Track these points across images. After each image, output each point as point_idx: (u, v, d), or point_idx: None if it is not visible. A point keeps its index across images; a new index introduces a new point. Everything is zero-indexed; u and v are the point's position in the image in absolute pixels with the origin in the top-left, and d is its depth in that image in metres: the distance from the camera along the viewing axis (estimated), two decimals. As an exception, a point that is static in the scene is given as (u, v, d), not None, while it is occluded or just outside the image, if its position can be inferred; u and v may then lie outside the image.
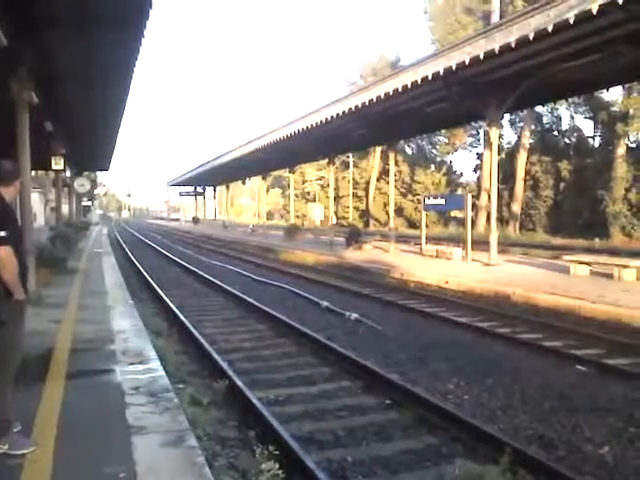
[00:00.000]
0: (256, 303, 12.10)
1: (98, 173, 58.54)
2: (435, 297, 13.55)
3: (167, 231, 58.05)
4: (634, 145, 37.17)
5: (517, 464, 4.52)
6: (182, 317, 10.59)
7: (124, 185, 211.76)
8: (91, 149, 27.08)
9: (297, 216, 51.77)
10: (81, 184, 31.41)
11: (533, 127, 44.50)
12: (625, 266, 13.75)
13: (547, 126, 46.48)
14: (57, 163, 18.72)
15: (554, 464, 4.54)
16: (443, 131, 50.21)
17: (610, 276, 13.81)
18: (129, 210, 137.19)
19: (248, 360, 8.11)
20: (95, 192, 65.47)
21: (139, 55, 11.17)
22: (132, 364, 5.88)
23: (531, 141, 43.94)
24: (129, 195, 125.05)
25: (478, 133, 52.52)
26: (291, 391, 6.70)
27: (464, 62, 13.88)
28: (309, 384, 6.98)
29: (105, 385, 5.25)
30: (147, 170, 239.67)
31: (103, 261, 18.75)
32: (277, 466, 4.26)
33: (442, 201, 21.71)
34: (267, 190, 49.29)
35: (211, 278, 16.47)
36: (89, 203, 60.57)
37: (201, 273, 17.85)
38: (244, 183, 51.42)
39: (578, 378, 7.29)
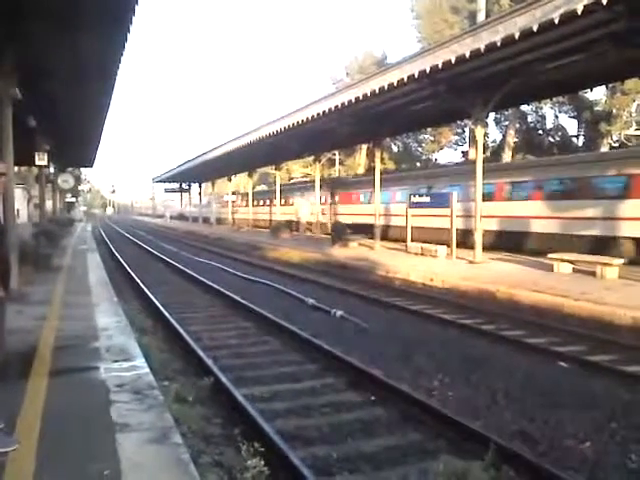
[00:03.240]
0: (241, 300, 12.08)
1: (82, 169, 58.08)
2: (420, 294, 13.62)
3: (152, 228, 57.78)
4: (617, 144, 37.51)
5: (500, 460, 4.57)
6: (167, 314, 10.55)
7: (108, 181, 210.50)
8: (75, 145, 26.85)
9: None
10: (65, 180, 31.10)
11: (518, 126, 44.77)
12: (607, 264, 13.90)
13: (532, 125, 46.78)
14: (41, 159, 18.54)
15: (536, 459, 4.59)
16: (429, 129, 50.34)
17: (593, 274, 13.95)
18: (113, 207, 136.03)
19: (233, 357, 8.11)
20: (79, 188, 64.85)
21: (124, 51, 11.10)
22: (116, 361, 5.86)
23: (516, 139, 44.21)
24: (113, 191, 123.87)
25: (464, 131, 52.70)
26: (276, 388, 6.70)
27: (450, 60, 13.91)
28: (294, 381, 7.00)
29: (89, 383, 5.23)
30: (132, 166, 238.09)
31: (87, 258, 18.63)
32: (262, 463, 4.27)
33: (427, 199, 21.77)
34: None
35: (196, 275, 16.42)
36: (73, 199, 60.00)
37: (186, 270, 17.79)
38: (230, 180, 51.24)
39: (561, 374, 7.38)
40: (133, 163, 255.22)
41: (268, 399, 6.32)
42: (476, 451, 4.78)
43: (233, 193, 52.82)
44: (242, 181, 64.76)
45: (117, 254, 23.37)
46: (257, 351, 8.49)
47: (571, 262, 14.98)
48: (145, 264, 20.84)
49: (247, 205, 45.96)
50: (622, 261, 14.23)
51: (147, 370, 5.58)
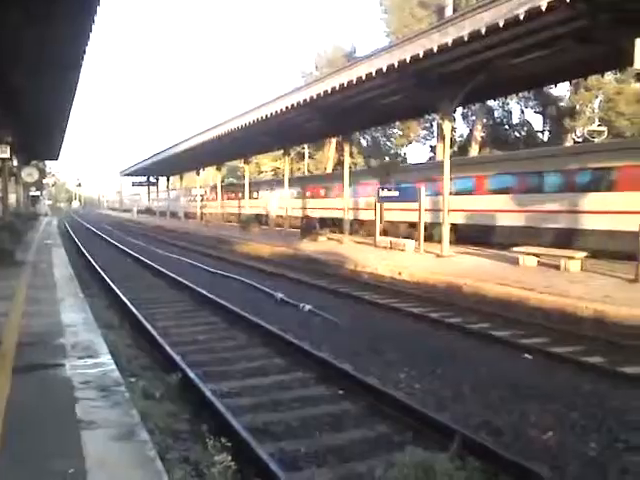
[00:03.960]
0: (210, 295, 12.01)
1: (47, 162, 56.88)
2: (388, 288, 13.72)
3: (119, 222, 57.02)
4: (581, 140, 38.29)
5: (465, 450, 4.65)
6: (134, 310, 10.43)
7: (74, 174, 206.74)
8: (40, 137, 26.33)
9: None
10: (29, 173, 30.47)
11: (485, 120, 45.38)
12: (571, 257, 14.21)
13: (498, 120, 47.53)
14: (3, 151, 18.15)
15: (500, 450, 4.68)
16: (398, 124, 50.61)
17: (557, 267, 14.25)
18: (80, 201, 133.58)
19: (201, 352, 8.06)
20: (44, 182, 63.47)
21: (90, 41, 10.92)
22: (82, 358, 5.77)
23: (483, 134, 44.80)
24: (79, 185, 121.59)
25: (432, 126, 53.09)
26: (245, 383, 6.69)
27: (418, 55, 14.03)
28: (263, 375, 6.99)
29: (54, 380, 5.14)
30: (99, 159, 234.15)
31: (53, 253, 18.29)
32: (230, 458, 4.27)
33: (396, 193, 21.93)
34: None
35: (164, 270, 16.26)
36: (38, 193, 58.75)
37: (154, 265, 17.59)
38: (198, 173, 50.82)
39: (525, 366, 7.54)
40: (100, 156, 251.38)
41: (236, 394, 6.31)
42: (442, 442, 4.85)
43: (201, 187, 52.43)
44: (210, 175, 64.28)
45: (83, 249, 22.98)
46: (225, 346, 8.46)
47: (536, 255, 15.27)
48: (112, 259, 20.55)
49: (216, 199, 45.68)
50: (584, 254, 14.56)
51: (113, 367, 5.51)
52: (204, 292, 12.40)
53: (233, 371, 7.19)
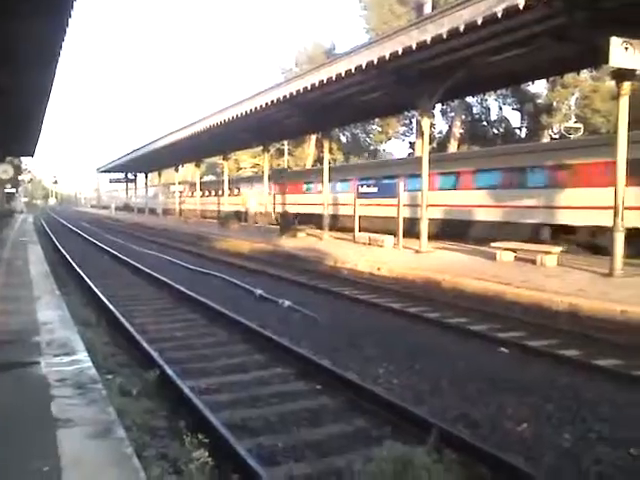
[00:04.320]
0: (188, 292, 11.94)
1: (23, 159, 56.02)
2: (368, 284, 13.77)
3: (97, 219, 56.39)
4: (557, 136, 38.77)
5: (443, 443, 4.69)
6: (111, 307, 10.32)
7: (51, 171, 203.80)
8: (15, 133, 25.85)
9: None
10: (4, 170, 30.02)
11: (463, 117, 45.69)
12: (547, 252, 14.39)
13: (477, 116, 47.89)
14: (-23, 148, 17.84)
15: (477, 442, 4.73)
16: (377, 120, 50.73)
17: (533, 262, 14.42)
18: (56, 198, 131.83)
19: (180, 349, 8.01)
20: (20, 178, 62.52)
21: (66, 36, 10.77)
22: (58, 356, 5.70)
23: (461, 131, 45.11)
24: (56, 182, 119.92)
25: (411, 122, 53.35)
26: (223, 379, 6.67)
27: (397, 52, 14.08)
28: (242, 372, 6.97)
29: (29, 378, 5.07)
30: (75, 156, 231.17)
31: (28, 250, 18.05)
32: (207, 454, 4.26)
33: (375, 189, 22.00)
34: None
35: (142, 267, 16.13)
36: (13, 190, 57.85)
37: (132, 262, 17.44)
38: (177, 170, 50.43)
39: (502, 360, 7.62)
40: (76, 153, 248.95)
41: (215, 390, 6.29)
42: (420, 435, 4.88)
43: (180, 183, 52.08)
44: (189, 171, 63.90)
45: (59, 246, 22.70)
46: (205, 342, 8.42)
47: (513, 251, 15.43)
48: (89, 257, 20.32)
49: (195, 195, 45.43)
50: (560, 249, 14.75)
51: (90, 364, 5.45)
52: (183, 289, 12.32)
53: (212, 367, 7.16)
